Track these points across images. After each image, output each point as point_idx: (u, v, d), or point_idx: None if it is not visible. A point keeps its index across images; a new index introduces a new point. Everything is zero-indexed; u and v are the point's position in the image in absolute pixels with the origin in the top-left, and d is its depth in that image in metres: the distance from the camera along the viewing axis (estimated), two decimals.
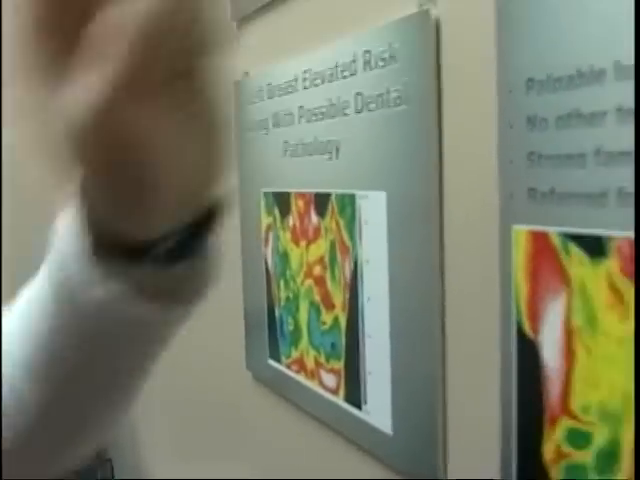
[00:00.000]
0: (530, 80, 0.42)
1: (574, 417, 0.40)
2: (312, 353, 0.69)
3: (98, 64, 0.28)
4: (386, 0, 0.56)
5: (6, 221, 1.84)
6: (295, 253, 0.71)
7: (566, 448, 0.41)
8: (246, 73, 0.81)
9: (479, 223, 0.47)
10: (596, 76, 0.37)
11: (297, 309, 0.72)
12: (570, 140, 0.39)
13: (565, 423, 0.41)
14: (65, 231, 0.37)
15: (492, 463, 0.47)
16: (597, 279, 0.38)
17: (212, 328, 0.93)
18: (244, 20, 0.83)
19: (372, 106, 0.57)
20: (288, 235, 0.72)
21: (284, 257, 0.73)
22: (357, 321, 0.61)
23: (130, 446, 1.59)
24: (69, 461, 0.46)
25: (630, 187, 0.36)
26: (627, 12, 0.35)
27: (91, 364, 0.40)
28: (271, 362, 0.79)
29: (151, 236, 0.34)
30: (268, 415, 0.84)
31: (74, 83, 0.29)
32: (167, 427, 1.34)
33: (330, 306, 0.65)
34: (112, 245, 0.35)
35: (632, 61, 0.35)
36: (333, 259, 0.64)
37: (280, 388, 0.78)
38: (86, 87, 0.28)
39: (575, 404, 0.40)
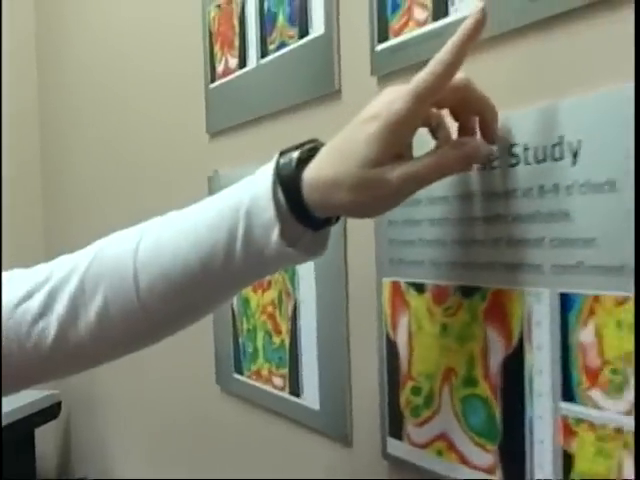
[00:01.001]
0: None
1: (413, 380, 0.76)
2: (266, 365, 1.03)
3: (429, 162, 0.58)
4: None
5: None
6: (254, 298, 1.05)
7: (410, 397, 0.76)
8: (216, 171, 1.16)
9: (368, 276, 0.83)
10: (416, 203, 0.73)
11: (255, 337, 1.06)
12: (407, 233, 0.75)
13: (409, 383, 0.76)
14: (264, 194, 0.60)
15: (376, 417, 0.82)
16: (421, 304, 0.74)
17: (188, 351, 1.27)
18: (217, 134, 1.18)
19: None
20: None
21: (245, 301, 1.08)
22: (296, 341, 0.96)
23: (101, 458, 1.84)
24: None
25: (439, 258, 0.72)
26: None
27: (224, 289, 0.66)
28: (236, 375, 1.12)
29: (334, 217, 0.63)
30: (234, 421, 1.17)
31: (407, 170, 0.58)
32: (139, 439, 1.62)
33: (278, 332, 1.00)
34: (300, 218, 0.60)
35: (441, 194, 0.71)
36: (280, 301, 0.99)
37: (243, 394, 1.12)
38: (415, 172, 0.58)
39: (414, 373, 0.75)
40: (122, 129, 1.56)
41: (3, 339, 0.66)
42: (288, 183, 0.60)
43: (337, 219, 0.66)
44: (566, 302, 0.59)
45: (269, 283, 1.01)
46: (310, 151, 0.62)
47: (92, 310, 0.65)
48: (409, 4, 0.72)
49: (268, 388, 1.03)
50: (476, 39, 0.57)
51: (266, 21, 0.97)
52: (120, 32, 1.56)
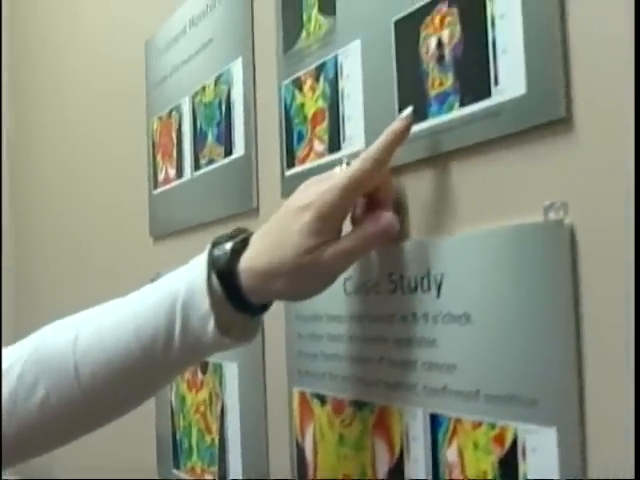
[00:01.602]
0: (297, 316, 0.83)
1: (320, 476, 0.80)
2: (199, 463, 1.07)
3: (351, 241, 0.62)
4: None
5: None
6: (189, 396, 1.10)
7: None
8: (158, 273, 1.21)
9: (281, 385, 0.87)
10: (318, 318, 0.79)
11: (190, 434, 1.10)
12: (312, 346, 0.80)
13: (322, 475, 0.81)
14: (199, 284, 0.63)
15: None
16: (323, 414, 0.79)
17: (133, 446, 1.30)
18: (160, 237, 1.24)
19: None
20: (185, 385, 1.11)
21: (182, 398, 1.12)
22: (223, 441, 1.00)
23: None
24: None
25: (337, 372, 0.77)
26: None
27: (152, 380, 0.69)
28: (174, 471, 1.16)
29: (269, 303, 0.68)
30: None
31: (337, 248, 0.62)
32: None
33: (209, 431, 1.04)
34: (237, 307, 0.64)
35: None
36: (211, 401, 1.04)
37: None
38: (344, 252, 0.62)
39: (319, 474, 0.80)
40: (80, 224, 1.63)
41: None
42: (224, 274, 0.64)
43: (271, 303, 0.70)
44: (436, 422, 0.64)
45: (201, 383, 1.06)
46: (243, 241, 0.66)
47: (32, 402, 0.68)
48: (310, 137, 0.79)
49: None
50: (403, 140, 0.63)
51: (198, 137, 1.04)
52: (75, 135, 1.64)
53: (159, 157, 1.17)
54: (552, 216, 0.54)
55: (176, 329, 0.65)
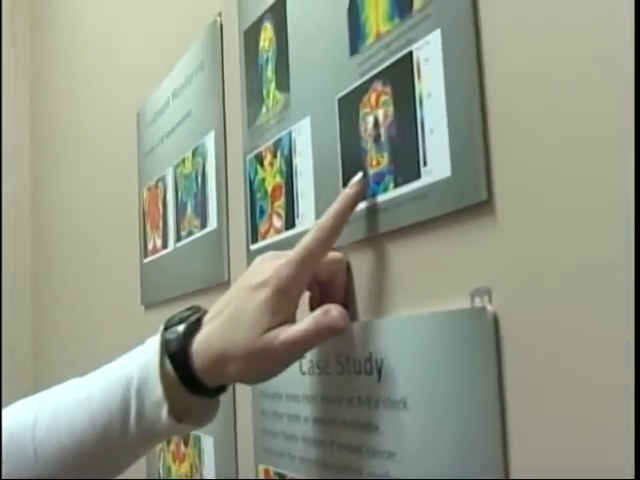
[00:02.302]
0: None
1: None
2: None
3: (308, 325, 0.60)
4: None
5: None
6: (173, 467, 1.08)
7: None
8: None
9: (250, 462, 0.86)
10: (279, 397, 0.77)
11: None
12: (274, 425, 0.79)
13: None
14: (152, 369, 0.62)
15: None
16: None
17: None
18: (151, 305, 1.24)
19: None
20: (170, 456, 1.10)
21: (168, 469, 1.11)
22: None
23: None
24: None
25: (294, 452, 0.75)
26: None
27: (112, 461, 0.66)
28: None
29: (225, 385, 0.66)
30: None
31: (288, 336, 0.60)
32: None
33: None
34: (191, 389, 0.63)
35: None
36: (192, 474, 1.02)
37: None
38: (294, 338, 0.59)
39: None
40: (83, 292, 1.65)
41: None
42: (177, 358, 0.63)
43: (228, 385, 0.68)
44: None
45: (184, 456, 1.04)
46: (195, 322, 0.64)
47: None
48: (270, 212, 0.79)
49: None
50: (355, 207, 0.62)
51: (180, 208, 1.04)
52: (81, 200, 1.67)
53: (148, 226, 1.18)
54: (477, 302, 0.52)
55: (131, 416, 0.64)
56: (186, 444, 1.04)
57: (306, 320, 0.61)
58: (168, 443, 1.10)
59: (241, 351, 0.61)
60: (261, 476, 0.81)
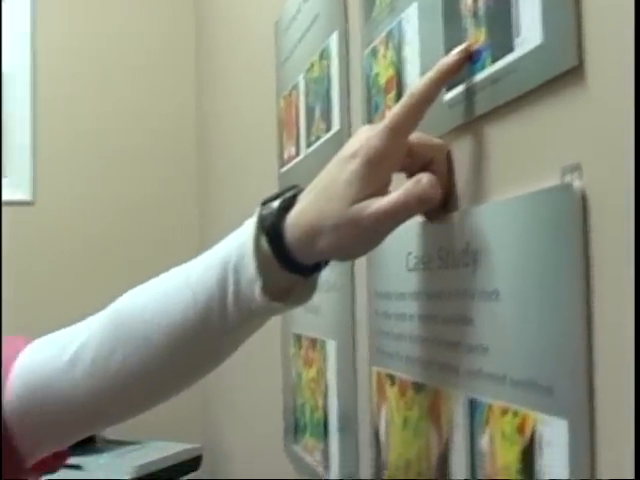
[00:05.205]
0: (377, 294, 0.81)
1: (387, 469, 0.77)
2: (311, 440, 1.07)
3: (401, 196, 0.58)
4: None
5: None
6: (304, 373, 1.10)
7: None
8: None
9: (364, 364, 0.85)
10: (388, 296, 0.76)
11: (304, 411, 1.10)
12: (385, 325, 0.77)
13: (385, 472, 0.78)
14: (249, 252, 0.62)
15: None
16: (393, 396, 0.76)
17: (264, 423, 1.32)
18: None
19: None
20: (301, 361, 1.12)
21: (298, 376, 1.13)
22: (326, 417, 0.99)
23: None
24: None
25: (401, 352, 0.73)
26: None
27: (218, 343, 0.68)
28: (294, 446, 1.17)
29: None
30: None
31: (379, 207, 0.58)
32: None
33: (317, 408, 1.04)
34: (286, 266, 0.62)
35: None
36: (319, 378, 1.03)
37: (299, 465, 1.16)
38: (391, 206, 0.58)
39: (387, 462, 0.77)
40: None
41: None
42: (270, 233, 0.63)
43: (326, 264, 0.66)
44: (473, 408, 0.59)
45: (312, 361, 1.06)
46: (291, 198, 0.64)
47: (112, 368, 0.70)
48: (384, 107, 0.76)
49: (311, 461, 1.07)
50: (449, 77, 0.59)
51: (309, 114, 1.04)
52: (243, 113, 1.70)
53: (285, 136, 1.18)
54: (567, 179, 0.48)
55: (229, 294, 0.64)
56: (314, 348, 1.05)
57: (397, 191, 0.59)
58: (299, 348, 1.12)
59: (331, 223, 0.60)
60: (374, 378, 0.81)
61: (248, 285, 0.63)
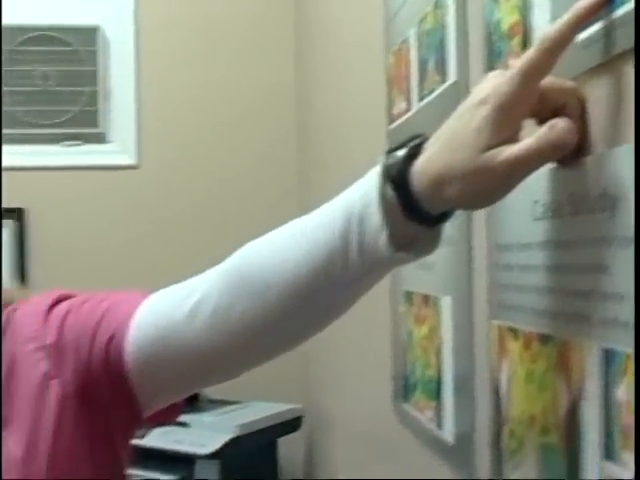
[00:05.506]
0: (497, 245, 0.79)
1: (510, 423, 0.76)
2: (422, 397, 1.07)
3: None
4: None
5: None
6: (415, 331, 1.10)
7: (507, 441, 0.76)
8: None
9: (482, 319, 0.84)
10: (509, 248, 0.74)
11: (415, 369, 1.10)
12: (505, 277, 0.76)
13: (507, 427, 0.76)
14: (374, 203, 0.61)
15: None
16: (516, 349, 0.74)
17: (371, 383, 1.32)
18: None
19: None
20: (412, 319, 1.11)
21: (409, 333, 1.12)
22: (440, 375, 0.99)
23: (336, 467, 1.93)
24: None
25: (524, 304, 0.72)
26: None
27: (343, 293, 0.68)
28: (404, 404, 1.17)
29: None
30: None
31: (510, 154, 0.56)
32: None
33: (429, 366, 1.03)
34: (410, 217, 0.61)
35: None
36: (432, 336, 1.02)
37: (408, 422, 1.16)
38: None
39: (510, 417, 0.76)
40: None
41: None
42: (396, 182, 0.61)
43: (451, 214, 0.65)
44: (609, 358, 0.57)
45: (424, 318, 1.05)
46: (417, 147, 0.62)
47: (233, 318, 0.71)
48: (507, 53, 0.74)
49: (423, 419, 1.07)
50: (586, 18, 0.56)
51: (422, 68, 1.02)
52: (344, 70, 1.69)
53: (394, 92, 1.17)
54: None
55: (352, 244, 0.63)
56: (426, 305, 1.04)
57: (529, 138, 0.57)
58: (411, 305, 1.11)
59: (460, 171, 0.58)
60: (494, 332, 0.79)
61: (373, 235, 0.62)
